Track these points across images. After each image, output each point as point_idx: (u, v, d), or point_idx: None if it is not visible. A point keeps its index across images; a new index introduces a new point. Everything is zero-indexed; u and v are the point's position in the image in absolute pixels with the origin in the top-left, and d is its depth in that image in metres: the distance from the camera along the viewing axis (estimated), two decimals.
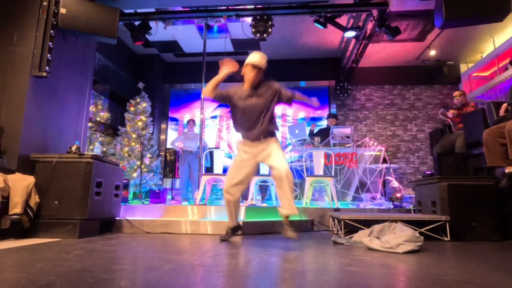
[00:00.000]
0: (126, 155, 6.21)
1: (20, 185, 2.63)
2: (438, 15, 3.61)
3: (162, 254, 2.01)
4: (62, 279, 1.34)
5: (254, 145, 2.50)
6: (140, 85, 6.80)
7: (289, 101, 2.53)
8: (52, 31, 3.16)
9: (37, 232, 2.71)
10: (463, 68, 7.73)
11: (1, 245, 2.28)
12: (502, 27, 6.03)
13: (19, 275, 1.41)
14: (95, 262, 1.70)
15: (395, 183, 4.79)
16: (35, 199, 2.72)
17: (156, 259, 1.83)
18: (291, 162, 5.35)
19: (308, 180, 4.33)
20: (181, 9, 5.09)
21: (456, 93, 4.42)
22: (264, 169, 4.55)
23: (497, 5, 3.35)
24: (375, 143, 5.14)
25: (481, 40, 6.75)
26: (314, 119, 8.15)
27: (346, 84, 7.82)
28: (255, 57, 2.44)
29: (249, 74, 2.44)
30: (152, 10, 5.09)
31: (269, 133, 2.50)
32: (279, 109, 8.27)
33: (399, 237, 2.20)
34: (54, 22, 3.20)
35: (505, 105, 3.15)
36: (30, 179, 2.73)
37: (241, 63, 2.52)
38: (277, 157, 2.40)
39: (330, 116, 6.15)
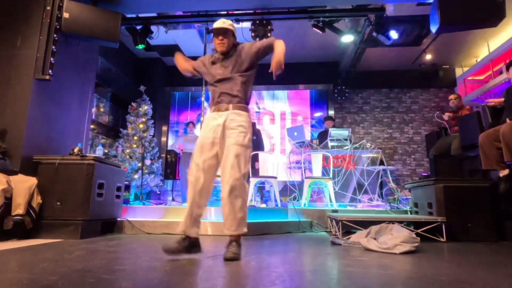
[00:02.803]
0: (128, 157, 6.24)
1: (22, 186, 2.66)
2: (434, 20, 3.68)
3: (162, 255, 2.01)
4: (64, 279, 1.35)
5: (219, 115, 2.09)
6: (142, 88, 6.86)
7: (268, 50, 2.14)
8: (55, 35, 3.21)
9: (39, 232, 2.74)
10: (458, 72, 7.82)
11: (4, 245, 2.30)
12: (496, 32, 6.11)
13: (22, 275, 1.43)
14: (97, 262, 1.72)
15: (392, 185, 4.84)
16: (37, 200, 2.74)
17: (157, 260, 1.85)
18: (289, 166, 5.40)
19: (307, 182, 4.37)
20: (182, 13, 5.15)
21: (452, 96, 4.48)
22: (262, 171, 4.59)
23: (492, 11, 3.42)
24: (372, 145, 5.19)
25: (476, 44, 6.85)
26: (314, 121, 8.21)
27: (344, 87, 7.89)
28: (216, 24, 2.15)
29: (216, 44, 2.15)
30: (154, 14, 5.14)
31: (238, 100, 2.09)
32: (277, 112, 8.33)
33: (396, 238, 2.23)
34: (58, 26, 3.24)
35: (499, 100, 3.23)
36: (32, 180, 2.76)
37: None
38: (229, 162, 1.93)
39: (327, 118, 6.21)
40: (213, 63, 2.18)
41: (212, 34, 2.18)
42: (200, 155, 2.02)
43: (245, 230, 1.98)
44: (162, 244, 1.94)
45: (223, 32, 2.11)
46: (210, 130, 2.06)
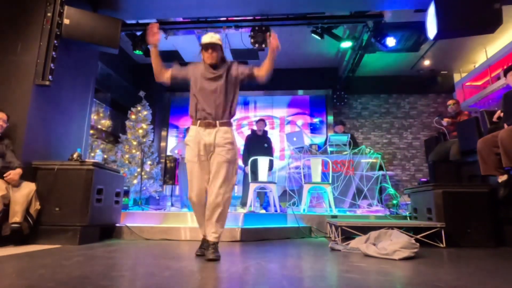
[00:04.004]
0: (127, 162, 6.24)
1: (20, 193, 2.65)
2: (432, 27, 3.72)
3: (161, 261, 2.02)
4: (62, 286, 1.35)
5: (207, 133, 2.17)
6: (141, 93, 6.89)
7: (252, 76, 2.26)
8: (55, 41, 3.23)
9: (38, 238, 2.72)
10: (456, 77, 7.87)
11: (2, 251, 2.29)
12: (493, 38, 6.17)
13: (19, 282, 1.42)
14: (95, 268, 1.72)
15: (391, 190, 4.84)
16: (35, 206, 2.73)
17: (155, 266, 1.84)
18: (288, 164, 5.40)
19: (306, 187, 4.37)
20: (182, 20, 5.20)
21: (450, 102, 4.50)
22: (262, 176, 4.59)
23: (489, 17, 3.46)
24: (371, 151, 5.20)
25: (473, 50, 6.90)
26: (313, 128, 8.22)
27: (342, 92, 7.93)
28: (204, 38, 2.22)
29: (205, 57, 2.23)
30: (154, 21, 5.18)
31: (223, 119, 2.19)
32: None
33: (395, 244, 2.23)
34: (58, 33, 3.27)
35: (499, 111, 3.24)
36: (31, 187, 2.75)
37: None
38: (219, 179, 2.11)
39: (339, 122, 6.18)
40: (204, 74, 2.23)
41: (200, 48, 2.25)
42: (201, 178, 2.17)
43: (220, 238, 2.18)
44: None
45: (212, 46, 2.20)
46: (202, 149, 2.16)
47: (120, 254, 2.29)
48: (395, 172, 7.60)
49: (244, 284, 1.49)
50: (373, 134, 8.01)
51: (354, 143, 5.44)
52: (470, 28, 3.57)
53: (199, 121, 2.19)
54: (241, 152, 5.59)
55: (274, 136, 8.22)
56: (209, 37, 2.22)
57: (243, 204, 5.03)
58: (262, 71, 2.24)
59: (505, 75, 3.25)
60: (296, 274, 1.72)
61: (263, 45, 4.80)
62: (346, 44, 5.76)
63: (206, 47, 2.21)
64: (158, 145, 8.09)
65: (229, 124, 2.23)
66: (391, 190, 4.80)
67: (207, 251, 2.09)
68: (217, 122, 2.17)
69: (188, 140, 2.22)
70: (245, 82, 2.32)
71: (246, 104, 8.32)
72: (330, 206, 4.25)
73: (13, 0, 3.28)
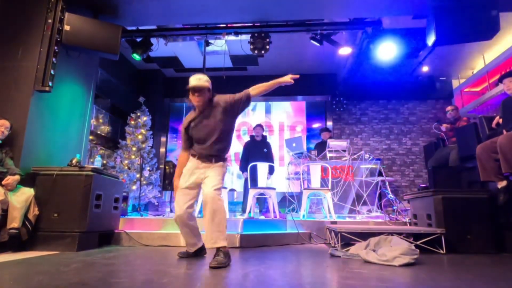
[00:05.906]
0: (126, 168, 6.23)
1: (18, 199, 2.65)
2: (430, 34, 3.76)
3: (160, 267, 2.01)
4: None
5: (202, 166, 2.34)
6: (141, 99, 6.91)
7: (248, 102, 2.34)
8: (56, 47, 3.25)
9: (36, 244, 2.71)
10: (455, 83, 7.92)
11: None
12: (491, 44, 6.23)
13: None
14: (94, 275, 1.71)
15: (391, 196, 4.83)
16: (34, 211, 2.72)
17: (154, 272, 1.84)
18: (288, 177, 5.39)
19: (305, 193, 4.36)
20: (182, 26, 5.24)
21: (449, 108, 4.53)
22: (261, 182, 4.58)
23: (487, 24, 3.51)
24: (371, 156, 5.21)
25: (471, 56, 6.96)
26: (312, 132, 8.24)
27: (342, 98, 7.97)
28: (191, 81, 2.28)
29: (193, 100, 2.30)
30: (154, 27, 5.23)
31: (218, 156, 2.33)
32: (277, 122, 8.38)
33: (395, 250, 2.22)
34: (58, 39, 3.29)
35: (497, 117, 3.25)
36: (29, 192, 2.74)
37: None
38: (210, 180, 2.24)
39: (324, 130, 6.22)
40: (194, 122, 2.34)
41: (189, 91, 2.29)
42: (184, 202, 2.29)
43: (224, 243, 2.16)
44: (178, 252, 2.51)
45: (198, 90, 2.25)
46: (193, 180, 2.32)
47: (119, 261, 2.28)
48: (394, 178, 7.60)
49: None
50: (372, 140, 8.02)
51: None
52: (468, 35, 3.61)
53: (197, 156, 2.34)
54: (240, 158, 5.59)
55: (274, 141, 8.24)
56: (196, 79, 2.25)
57: (243, 210, 5.02)
58: (256, 91, 2.33)
59: (500, 81, 3.26)
60: (296, 281, 1.71)
61: (262, 52, 4.83)
62: (345, 51, 5.80)
63: (192, 90, 2.25)
64: (158, 151, 8.09)
65: (223, 160, 2.35)
66: (390, 196, 4.79)
67: (213, 258, 2.12)
68: (213, 159, 2.31)
69: (185, 169, 2.37)
70: (240, 109, 2.35)
71: None
72: (329, 212, 4.24)
73: (14, 6, 3.32)
